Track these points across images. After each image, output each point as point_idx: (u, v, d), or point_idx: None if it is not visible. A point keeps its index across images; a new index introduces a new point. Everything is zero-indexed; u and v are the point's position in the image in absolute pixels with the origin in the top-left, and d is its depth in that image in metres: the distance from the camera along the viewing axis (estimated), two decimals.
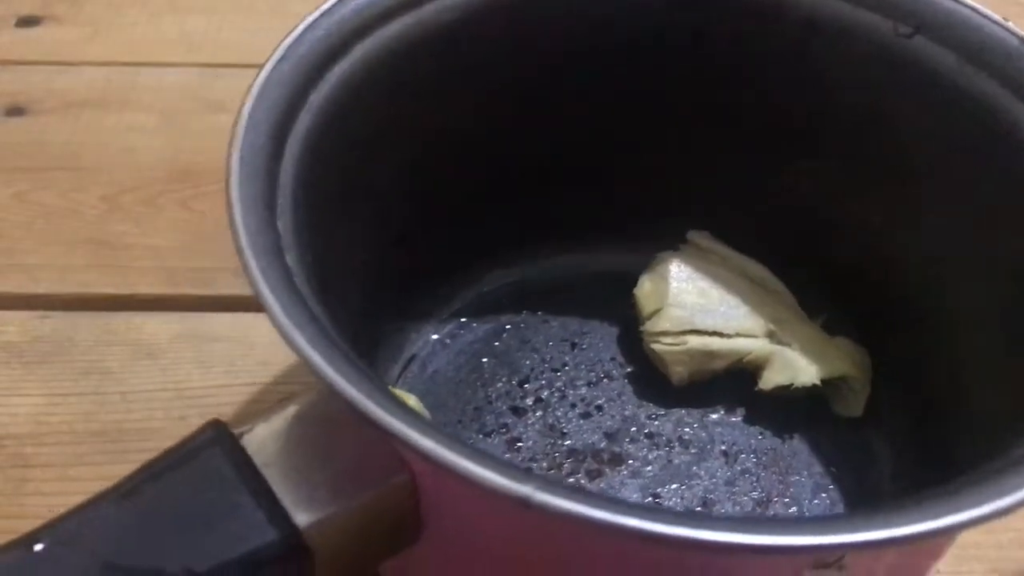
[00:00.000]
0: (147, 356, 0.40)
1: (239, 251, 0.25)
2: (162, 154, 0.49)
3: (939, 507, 0.22)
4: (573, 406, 0.37)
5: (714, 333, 0.37)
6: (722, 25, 0.36)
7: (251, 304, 0.33)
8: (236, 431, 0.26)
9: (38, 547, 0.24)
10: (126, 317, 0.41)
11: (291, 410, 0.27)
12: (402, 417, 0.22)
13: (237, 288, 0.42)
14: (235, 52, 0.54)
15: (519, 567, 0.27)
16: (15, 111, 0.51)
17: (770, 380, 0.37)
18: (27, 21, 0.56)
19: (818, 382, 0.36)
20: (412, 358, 0.38)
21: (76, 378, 0.39)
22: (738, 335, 0.37)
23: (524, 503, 0.21)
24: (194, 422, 0.27)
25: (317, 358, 0.23)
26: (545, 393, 0.38)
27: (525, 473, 0.21)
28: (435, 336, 0.39)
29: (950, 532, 0.22)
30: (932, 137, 0.34)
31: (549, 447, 0.36)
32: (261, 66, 0.29)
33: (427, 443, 0.22)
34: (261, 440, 0.26)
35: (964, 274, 0.34)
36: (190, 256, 0.44)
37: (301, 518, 0.25)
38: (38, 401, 0.39)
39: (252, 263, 0.25)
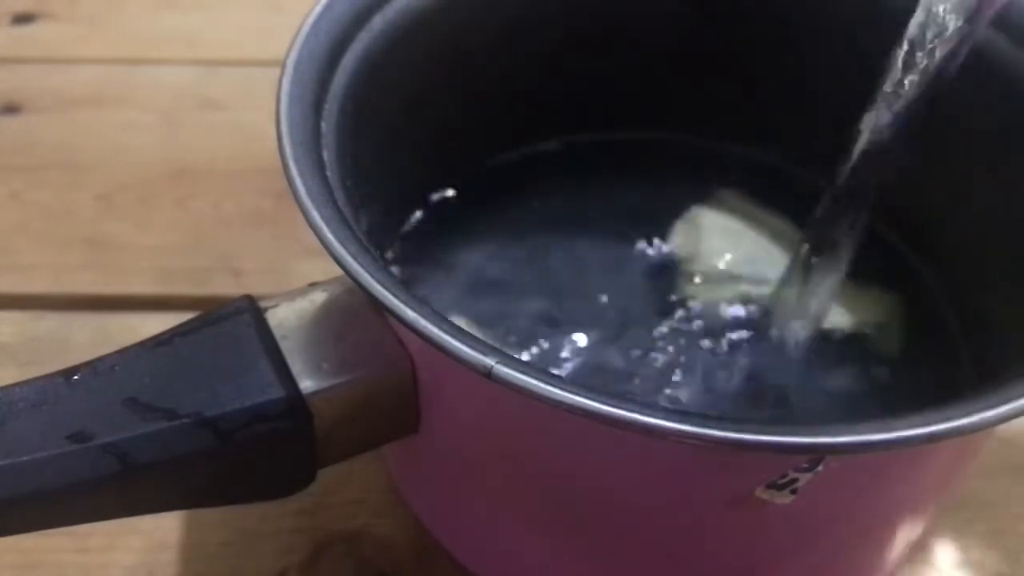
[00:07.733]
0: None
1: (278, 137, 0.28)
2: (158, 152, 0.48)
3: (884, 423, 0.22)
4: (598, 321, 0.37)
5: (743, 280, 0.38)
6: None
7: None
8: (263, 305, 0.29)
9: (75, 377, 0.27)
10: (122, 317, 0.41)
11: (314, 295, 0.30)
12: (392, 291, 0.24)
13: (233, 288, 0.42)
14: (232, 49, 0.53)
15: (503, 463, 0.29)
16: (10, 109, 0.50)
17: (796, 327, 0.38)
18: (22, 18, 0.55)
19: (845, 329, 0.37)
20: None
21: None
22: (766, 284, 0.38)
23: (487, 373, 0.23)
24: None
25: (326, 231, 0.25)
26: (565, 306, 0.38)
27: (491, 348, 0.23)
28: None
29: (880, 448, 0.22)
30: (980, 117, 0.34)
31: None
32: None
33: (409, 313, 0.24)
34: (283, 316, 0.29)
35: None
36: (186, 256, 0.44)
37: (306, 384, 0.27)
38: None
39: (288, 149, 0.27)
